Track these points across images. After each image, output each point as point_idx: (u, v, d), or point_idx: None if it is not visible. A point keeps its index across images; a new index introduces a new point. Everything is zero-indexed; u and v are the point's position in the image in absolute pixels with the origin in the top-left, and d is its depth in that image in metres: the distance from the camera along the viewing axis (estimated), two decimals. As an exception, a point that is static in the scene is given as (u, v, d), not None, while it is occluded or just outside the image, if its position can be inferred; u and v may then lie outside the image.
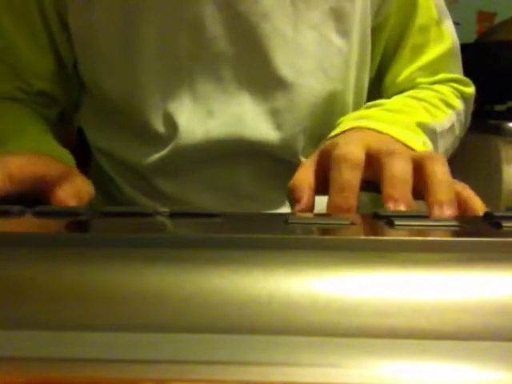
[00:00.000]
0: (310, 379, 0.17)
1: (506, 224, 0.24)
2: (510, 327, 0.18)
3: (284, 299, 0.19)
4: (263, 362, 0.18)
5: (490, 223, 0.25)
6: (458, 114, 0.60)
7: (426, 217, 0.27)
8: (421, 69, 0.61)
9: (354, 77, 0.57)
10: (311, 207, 0.37)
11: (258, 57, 0.53)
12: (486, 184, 1.08)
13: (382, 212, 0.28)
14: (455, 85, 0.62)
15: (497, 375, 0.17)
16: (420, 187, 0.34)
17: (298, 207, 0.36)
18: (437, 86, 0.60)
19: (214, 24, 0.52)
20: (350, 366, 0.18)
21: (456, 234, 0.24)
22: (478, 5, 1.57)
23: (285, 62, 0.53)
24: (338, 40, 0.55)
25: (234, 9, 0.52)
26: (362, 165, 0.35)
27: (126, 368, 0.18)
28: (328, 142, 0.40)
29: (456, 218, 0.26)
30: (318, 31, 0.54)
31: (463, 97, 0.63)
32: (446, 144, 0.57)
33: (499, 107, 1.24)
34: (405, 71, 0.61)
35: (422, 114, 0.52)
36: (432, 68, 0.61)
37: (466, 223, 0.26)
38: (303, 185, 0.38)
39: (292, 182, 0.38)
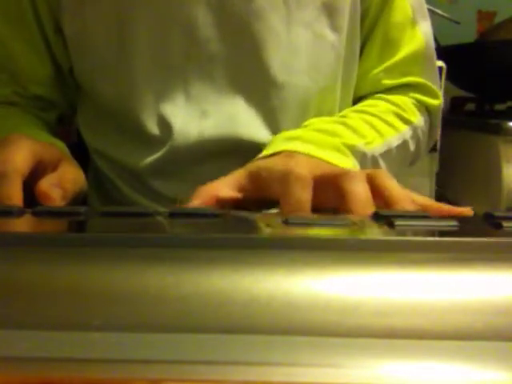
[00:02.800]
0: (309, 379, 0.17)
1: (506, 224, 0.24)
2: (510, 327, 0.18)
3: (284, 299, 0.19)
4: (263, 362, 0.18)
5: (490, 223, 0.25)
6: (415, 129, 0.58)
7: (426, 217, 0.27)
8: (388, 69, 0.59)
9: (341, 72, 0.57)
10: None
11: (251, 57, 0.53)
12: (486, 184, 1.08)
13: (382, 212, 0.28)
14: (420, 96, 0.60)
15: (497, 375, 0.17)
16: (377, 203, 0.34)
17: (189, 203, 0.37)
18: (396, 98, 0.58)
19: (206, 25, 0.52)
20: (350, 366, 0.18)
21: (456, 234, 0.24)
22: (477, 4, 1.57)
23: (278, 62, 0.53)
24: (330, 35, 0.55)
25: (227, 9, 0.52)
26: (312, 185, 0.36)
27: (126, 368, 0.18)
28: (258, 166, 0.41)
29: (456, 218, 0.25)
30: (311, 29, 0.54)
31: (428, 109, 0.61)
32: (395, 161, 0.56)
33: (499, 107, 1.24)
34: (372, 72, 0.59)
35: (350, 136, 0.50)
36: (400, 69, 0.59)
37: (466, 223, 0.26)
38: (207, 191, 0.38)
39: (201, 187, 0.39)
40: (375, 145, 0.52)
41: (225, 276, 0.20)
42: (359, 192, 0.34)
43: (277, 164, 0.39)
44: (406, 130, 0.57)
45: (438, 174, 1.16)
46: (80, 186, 0.43)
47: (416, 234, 0.24)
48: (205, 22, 0.52)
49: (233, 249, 0.21)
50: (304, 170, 0.37)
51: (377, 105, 0.57)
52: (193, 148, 0.54)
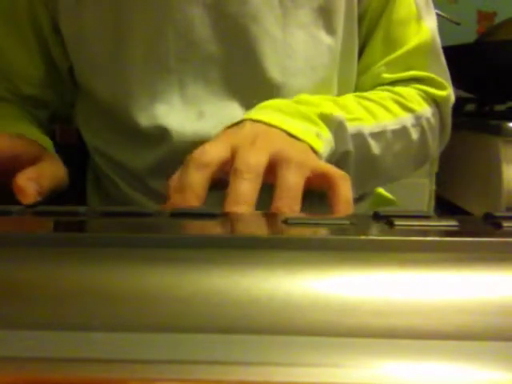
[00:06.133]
0: (310, 379, 0.17)
1: (506, 224, 0.24)
2: (510, 327, 0.18)
3: (284, 299, 0.19)
4: (263, 362, 0.18)
5: (490, 223, 0.25)
6: (418, 118, 0.57)
7: (426, 217, 0.27)
8: (389, 63, 0.58)
9: (337, 72, 0.57)
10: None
11: (247, 59, 0.53)
12: (486, 184, 1.08)
13: (382, 212, 0.28)
14: (425, 87, 0.59)
15: (497, 375, 0.17)
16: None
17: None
18: (399, 88, 0.58)
19: (202, 26, 0.52)
20: (350, 366, 0.18)
21: (456, 234, 0.24)
22: (477, 4, 1.57)
23: (274, 64, 0.53)
24: (326, 38, 0.55)
25: (223, 10, 0.52)
26: (261, 176, 0.36)
27: (126, 368, 0.18)
28: (225, 133, 0.42)
29: (456, 218, 0.25)
30: (307, 31, 0.54)
31: (435, 100, 0.60)
32: (392, 146, 0.55)
33: (499, 107, 1.24)
34: (373, 67, 0.59)
35: (331, 107, 0.49)
36: (402, 63, 0.58)
37: (466, 223, 0.26)
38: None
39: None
40: (365, 123, 0.51)
41: (225, 276, 0.20)
42: (288, 180, 0.35)
43: (239, 134, 0.40)
44: (405, 117, 0.56)
45: (437, 175, 1.16)
46: (58, 183, 0.43)
47: (416, 233, 0.24)
48: (201, 22, 0.52)
49: (233, 249, 0.21)
50: (261, 152, 0.37)
51: (377, 93, 0.57)
52: (189, 148, 0.54)
